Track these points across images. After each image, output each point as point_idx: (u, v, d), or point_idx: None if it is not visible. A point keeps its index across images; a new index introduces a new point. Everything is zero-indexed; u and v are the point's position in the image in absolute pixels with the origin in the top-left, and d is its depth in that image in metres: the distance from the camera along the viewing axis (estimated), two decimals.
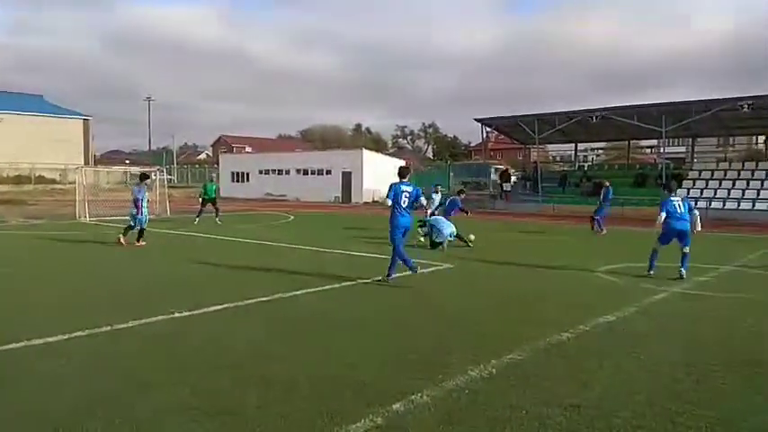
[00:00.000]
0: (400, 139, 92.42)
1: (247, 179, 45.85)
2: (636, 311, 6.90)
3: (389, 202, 8.41)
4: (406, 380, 4.31)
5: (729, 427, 3.61)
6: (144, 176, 14.01)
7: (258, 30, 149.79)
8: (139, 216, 13.02)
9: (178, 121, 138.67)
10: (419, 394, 3.99)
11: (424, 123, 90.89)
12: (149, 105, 70.86)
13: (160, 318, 6.15)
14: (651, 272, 9.50)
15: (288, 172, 44.08)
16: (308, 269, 9.72)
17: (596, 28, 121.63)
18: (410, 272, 8.49)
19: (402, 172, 8.69)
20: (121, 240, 12.73)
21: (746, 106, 25.70)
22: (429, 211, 13.80)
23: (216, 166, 53.32)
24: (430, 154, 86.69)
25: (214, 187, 20.54)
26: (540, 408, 3.84)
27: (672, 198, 9.80)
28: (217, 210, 19.63)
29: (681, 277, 9.09)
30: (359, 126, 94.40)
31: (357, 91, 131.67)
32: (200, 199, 19.98)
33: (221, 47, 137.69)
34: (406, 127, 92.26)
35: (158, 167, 26.77)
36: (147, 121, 75.28)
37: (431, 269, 10.08)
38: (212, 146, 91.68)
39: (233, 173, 46.64)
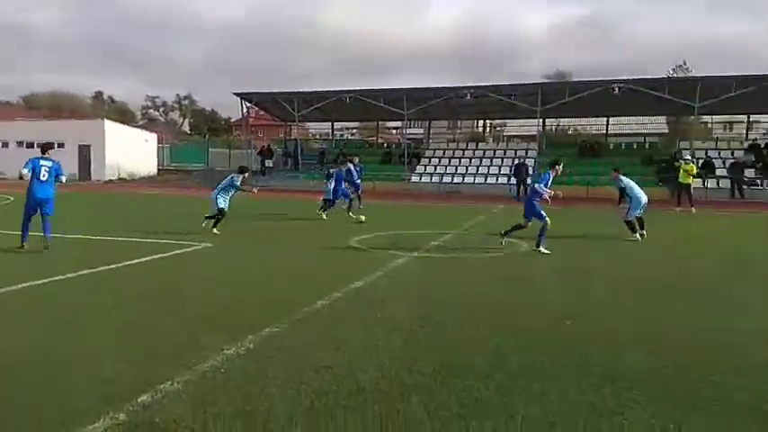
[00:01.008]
0: (151, 111, 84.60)
1: None
2: (381, 276, 7.61)
3: (27, 174, 8.94)
4: (154, 369, 4.01)
5: (454, 368, 4.21)
6: None
7: None
8: None
9: None
10: (169, 382, 3.76)
11: (178, 95, 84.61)
12: None
13: None
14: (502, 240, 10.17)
15: (6, 144, 36.85)
16: (33, 258, 8.31)
17: (343, 14, 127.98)
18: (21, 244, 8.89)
19: (44, 148, 9.45)
20: None
21: (469, 94, 30.19)
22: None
23: None
24: (186, 128, 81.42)
25: None
26: (295, 375, 3.97)
27: (550, 172, 10.34)
28: None
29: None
30: (99, 94, 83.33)
31: (97, 55, 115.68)
32: None
33: None
34: (157, 97, 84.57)
35: None
36: None
37: (189, 249, 9.57)
38: None
39: None
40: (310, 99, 33.35)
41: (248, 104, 35.92)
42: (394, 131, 60.16)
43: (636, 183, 11.99)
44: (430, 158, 34.19)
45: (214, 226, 11.58)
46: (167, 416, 3.30)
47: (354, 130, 61.82)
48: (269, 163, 35.98)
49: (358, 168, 18.37)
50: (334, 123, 42.07)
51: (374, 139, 45.19)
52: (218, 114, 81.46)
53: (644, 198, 11.62)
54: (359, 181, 18.03)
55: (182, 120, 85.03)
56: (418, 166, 33.04)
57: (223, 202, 11.75)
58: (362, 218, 14.19)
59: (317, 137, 50.40)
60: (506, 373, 4.11)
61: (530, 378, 4.00)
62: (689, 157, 25.10)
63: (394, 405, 3.51)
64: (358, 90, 32.26)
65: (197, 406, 3.44)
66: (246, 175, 12.54)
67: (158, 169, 40.43)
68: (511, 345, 4.79)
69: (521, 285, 7.38)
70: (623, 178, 11.90)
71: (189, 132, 75.63)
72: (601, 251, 10.59)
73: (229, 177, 12.14)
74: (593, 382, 3.95)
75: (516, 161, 28.61)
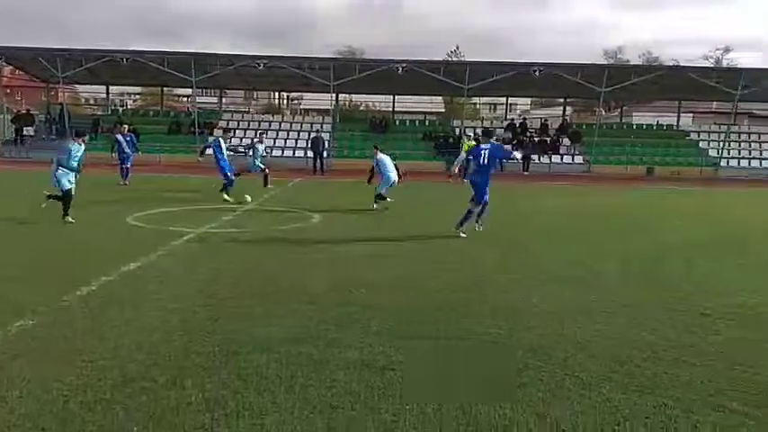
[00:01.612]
0: None
1: None
2: (163, 254, 7.08)
3: None
4: None
5: (234, 345, 4.10)
6: None
7: None
8: None
9: None
10: None
11: None
12: None
13: None
14: (461, 230, 8.97)
15: None
16: None
17: None
18: None
19: None
20: None
21: (262, 64, 29.30)
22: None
23: None
24: None
25: None
26: (47, 372, 3.46)
27: (482, 146, 9.27)
28: None
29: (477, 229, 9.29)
30: None
31: None
32: None
33: None
34: None
35: None
36: None
37: None
38: None
39: None
40: (79, 59, 29.10)
41: None
42: (184, 99, 55.95)
43: (390, 158, 13.23)
44: (224, 129, 32.61)
45: (65, 213, 9.39)
46: None
47: (136, 96, 55.94)
48: (28, 131, 30.78)
49: (128, 138, 17.21)
50: (111, 87, 37.44)
51: (159, 107, 41.38)
52: None
53: (393, 176, 12.89)
54: (129, 151, 17.18)
55: None
56: (210, 138, 31.29)
57: (68, 183, 9.55)
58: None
59: (91, 102, 44.46)
60: (288, 343, 4.14)
61: (310, 346, 4.10)
62: (471, 134, 28.18)
63: (165, 392, 3.29)
64: (135, 51, 29.07)
65: None
66: (86, 138, 10.31)
67: None
68: (293, 316, 4.85)
69: (307, 258, 7.47)
70: (381, 156, 13.04)
71: None
72: (370, 217, 11.31)
73: (67, 146, 9.87)
74: (370, 341, 4.21)
75: (313, 135, 28.87)
